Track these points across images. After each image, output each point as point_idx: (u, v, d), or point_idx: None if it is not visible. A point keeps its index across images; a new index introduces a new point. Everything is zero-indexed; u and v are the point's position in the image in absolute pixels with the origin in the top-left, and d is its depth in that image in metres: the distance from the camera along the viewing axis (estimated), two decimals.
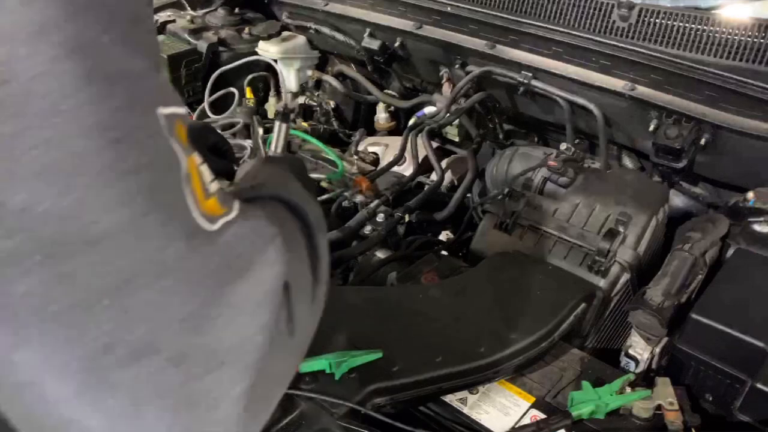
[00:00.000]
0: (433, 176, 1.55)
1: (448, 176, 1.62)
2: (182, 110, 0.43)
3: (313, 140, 1.63)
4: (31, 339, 0.37)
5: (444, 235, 1.51)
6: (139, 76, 0.40)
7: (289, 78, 1.93)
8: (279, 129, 1.16)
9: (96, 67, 0.37)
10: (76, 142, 0.36)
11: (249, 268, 0.45)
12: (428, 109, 1.70)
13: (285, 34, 1.93)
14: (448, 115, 1.58)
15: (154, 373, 0.39)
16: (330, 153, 1.59)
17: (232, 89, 1.78)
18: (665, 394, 0.91)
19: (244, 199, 0.47)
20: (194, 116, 1.74)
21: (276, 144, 1.16)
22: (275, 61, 1.86)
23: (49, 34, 0.35)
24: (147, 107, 0.40)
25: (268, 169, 0.66)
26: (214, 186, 0.44)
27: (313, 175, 1.58)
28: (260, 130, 1.23)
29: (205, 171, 0.44)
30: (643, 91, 1.30)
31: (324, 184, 1.59)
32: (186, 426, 0.42)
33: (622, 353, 1.10)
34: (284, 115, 1.19)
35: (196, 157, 0.43)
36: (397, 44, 1.66)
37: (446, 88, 1.66)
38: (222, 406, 0.43)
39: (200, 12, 1.99)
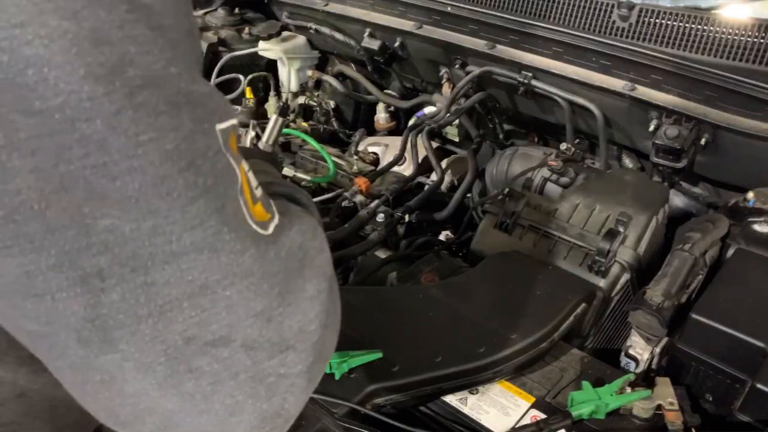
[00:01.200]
0: (433, 176, 1.55)
1: (448, 176, 1.62)
2: (234, 120, 0.47)
3: (311, 140, 1.63)
4: (119, 341, 0.42)
5: (444, 235, 1.51)
6: (200, 99, 0.44)
7: (289, 78, 1.93)
8: (275, 122, 1.16)
9: (167, 96, 0.41)
10: (157, 170, 0.40)
11: (307, 260, 0.52)
12: (428, 109, 1.70)
13: (285, 34, 1.93)
14: (448, 115, 1.58)
15: (228, 358, 0.45)
16: (323, 153, 1.59)
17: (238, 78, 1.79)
18: (665, 394, 0.91)
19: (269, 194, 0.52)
20: None
21: (269, 135, 1.16)
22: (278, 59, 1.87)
23: (123, 71, 0.39)
24: (209, 128, 0.44)
25: (262, 166, 0.69)
26: (259, 191, 0.49)
27: (307, 177, 1.59)
28: (252, 133, 1.24)
29: (252, 177, 0.49)
30: (643, 91, 1.30)
31: (324, 184, 1.59)
32: (256, 398, 0.48)
33: (622, 353, 1.10)
34: (283, 110, 1.20)
35: (245, 165, 0.47)
36: (397, 44, 1.66)
37: (446, 88, 1.66)
38: (287, 381, 0.49)
39: (200, 12, 1.99)
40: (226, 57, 1.82)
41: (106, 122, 0.39)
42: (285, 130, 1.68)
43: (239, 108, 1.78)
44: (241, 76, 1.80)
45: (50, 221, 0.39)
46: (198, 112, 0.43)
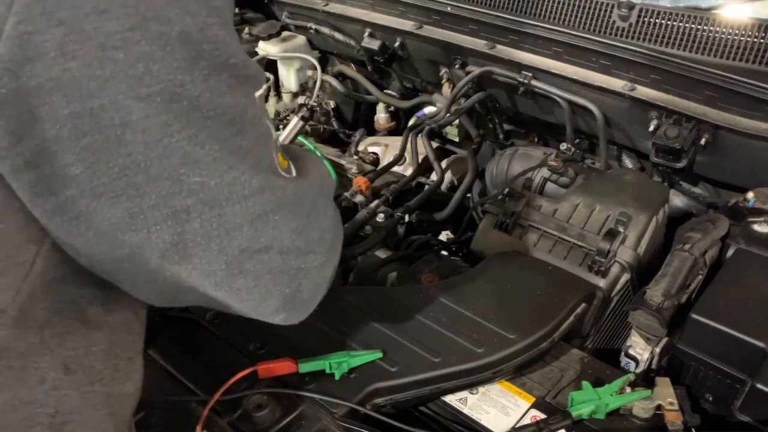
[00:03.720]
0: (433, 176, 1.55)
1: (448, 176, 1.62)
2: (265, 86, 0.62)
3: (307, 142, 1.63)
4: (194, 257, 0.57)
5: (444, 235, 1.50)
6: (248, 77, 0.57)
7: (289, 78, 1.93)
8: (295, 125, 1.17)
9: (226, 80, 0.54)
10: (223, 133, 0.55)
11: (324, 184, 0.70)
12: (428, 109, 1.70)
13: (285, 34, 1.93)
14: (448, 115, 1.58)
15: (267, 260, 0.62)
16: (319, 155, 1.58)
17: None
18: (665, 394, 0.91)
19: None
20: None
21: (287, 136, 1.17)
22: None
23: (198, 63, 0.52)
24: (252, 99, 0.58)
25: None
26: (277, 142, 0.64)
27: None
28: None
29: (274, 132, 0.64)
30: (643, 91, 1.30)
31: None
32: (281, 286, 0.65)
33: (622, 353, 1.10)
34: (309, 112, 1.23)
35: (271, 119, 0.62)
36: (397, 44, 1.66)
37: (446, 88, 1.66)
38: (304, 273, 0.67)
39: None
40: None
41: (191, 103, 0.51)
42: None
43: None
44: None
45: (152, 174, 0.52)
46: (246, 88, 0.57)
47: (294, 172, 0.66)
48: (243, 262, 0.60)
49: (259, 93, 0.59)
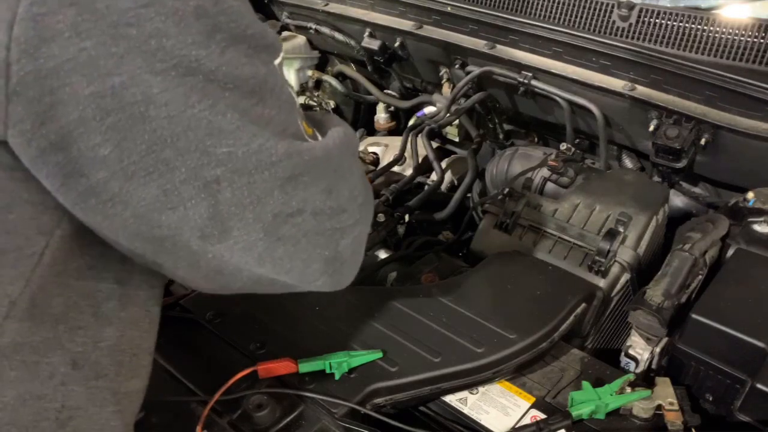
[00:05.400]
0: (433, 176, 1.55)
1: (448, 176, 1.62)
2: (282, 53, 0.62)
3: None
4: (233, 229, 0.58)
5: (444, 235, 1.50)
6: (266, 46, 0.57)
7: (289, 78, 1.93)
8: None
9: (245, 50, 0.55)
10: (243, 103, 0.55)
11: (349, 143, 0.69)
12: (428, 109, 1.70)
13: (285, 34, 1.93)
14: (448, 115, 1.58)
15: (301, 223, 0.62)
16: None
17: None
18: (665, 394, 0.91)
19: None
20: None
21: None
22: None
23: (214, 36, 0.52)
24: (273, 68, 0.58)
25: None
26: (301, 109, 0.65)
27: None
28: None
29: (296, 98, 0.63)
30: (643, 91, 1.30)
31: None
32: (320, 248, 0.65)
33: (622, 353, 1.10)
34: None
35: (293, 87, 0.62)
36: (397, 44, 1.66)
37: (446, 88, 1.66)
38: (340, 232, 0.67)
39: None
40: None
41: (206, 76, 0.52)
42: None
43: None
44: None
45: (180, 147, 0.52)
46: (265, 57, 0.57)
47: (319, 137, 0.66)
48: (279, 227, 0.60)
49: (278, 61, 0.59)
